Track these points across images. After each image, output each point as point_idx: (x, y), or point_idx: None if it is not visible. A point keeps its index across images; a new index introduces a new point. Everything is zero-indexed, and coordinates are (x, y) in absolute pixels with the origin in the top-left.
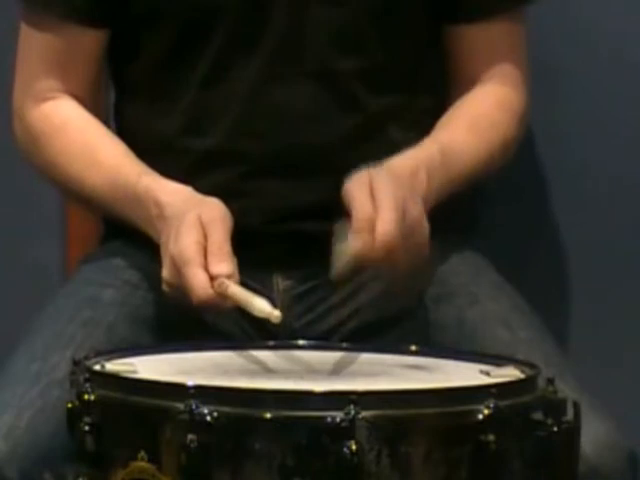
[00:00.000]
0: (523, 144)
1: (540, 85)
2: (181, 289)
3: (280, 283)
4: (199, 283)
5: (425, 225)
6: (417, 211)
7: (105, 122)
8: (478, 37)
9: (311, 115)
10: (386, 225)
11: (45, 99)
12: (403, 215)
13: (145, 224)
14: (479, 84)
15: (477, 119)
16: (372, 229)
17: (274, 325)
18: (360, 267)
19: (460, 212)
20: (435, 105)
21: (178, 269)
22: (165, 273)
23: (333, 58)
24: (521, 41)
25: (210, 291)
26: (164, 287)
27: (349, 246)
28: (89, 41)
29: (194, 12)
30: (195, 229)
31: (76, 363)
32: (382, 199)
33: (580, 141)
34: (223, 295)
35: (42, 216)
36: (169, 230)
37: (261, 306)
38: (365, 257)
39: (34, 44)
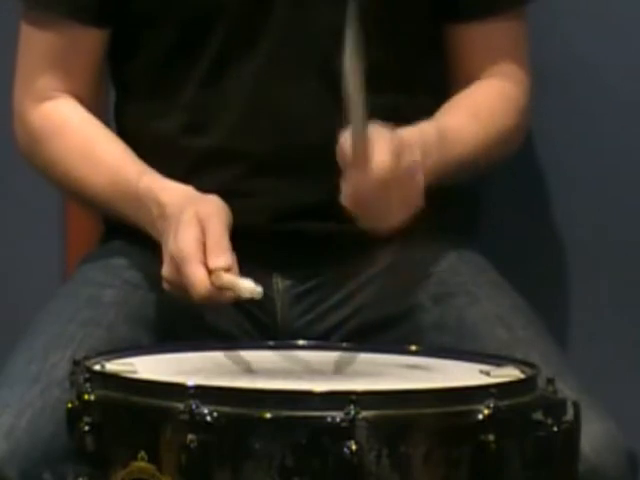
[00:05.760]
0: (523, 145)
1: (541, 84)
2: (181, 286)
3: (280, 283)
4: (198, 279)
5: (420, 174)
6: (412, 156)
7: (105, 122)
8: (479, 36)
9: (311, 114)
10: (382, 155)
11: (45, 98)
12: (398, 154)
13: (146, 224)
14: (480, 81)
15: (477, 107)
16: (367, 163)
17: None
18: (359, 199)
19: (460, 212)
20: (435, 105)
21: (178, 267)
22: (165, 271)
23: (333, 57)
24: (522, 39)
25: (209, 286)
26: (164, 285)
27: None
28: (90, 40)
29: (195, 11)
30: (193, 226)
31: (76, 363)
32: (377, 138)
33: (580, 141)
34: (220, 287)
35: (42, 216)
36: (169, 229)
37: (245, 286)
38: (361, 189)
39: (34, 43)
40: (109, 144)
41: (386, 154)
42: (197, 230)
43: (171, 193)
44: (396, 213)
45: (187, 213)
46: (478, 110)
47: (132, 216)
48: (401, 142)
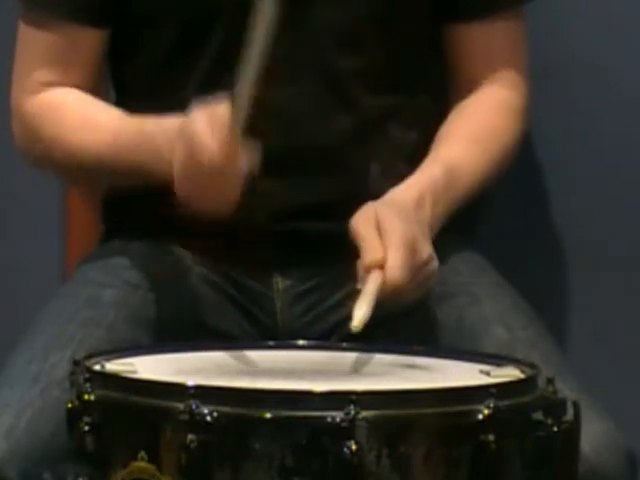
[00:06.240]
0: (523, 145)
1: (541, 84)
2: (195, 169)
3: (280, 283)
4: (210, 147)
5: (434, 263)
6: (426, 249)
7: None
8: (478, 36)
9: (311, 115)
10: (395, 267)
11: (42, 90)
12: (412, 255)
13: (154, 159)
14: (478, 86)
15: (477, 130)
16: (381, 270)
17: (258, 302)
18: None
19: (460, 212)
20: (435, 104)
21: (189, 144)
22: (177, 160)
23: (333, 58)
24: (521, 40)
25: (220, 156)
26: (177, 173)
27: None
28: (89, 41)
29: (195, 11)
30: (202, 114)
31: (76, 363)
32: (390, 238)
33: (580, 141)
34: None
35: (42, 216)
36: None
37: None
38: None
39: (33, 43)
40: (107, 109)
41: (400, 263)
42: (206, 115)
43: (174, 118)
44: (410, 298)
45: (193, 114)
46: (478, 134)
47: (138, 162)
48: (414, 238)
